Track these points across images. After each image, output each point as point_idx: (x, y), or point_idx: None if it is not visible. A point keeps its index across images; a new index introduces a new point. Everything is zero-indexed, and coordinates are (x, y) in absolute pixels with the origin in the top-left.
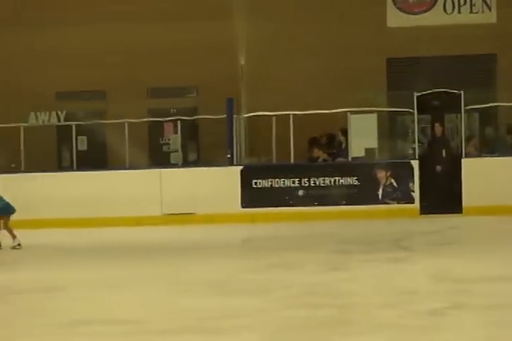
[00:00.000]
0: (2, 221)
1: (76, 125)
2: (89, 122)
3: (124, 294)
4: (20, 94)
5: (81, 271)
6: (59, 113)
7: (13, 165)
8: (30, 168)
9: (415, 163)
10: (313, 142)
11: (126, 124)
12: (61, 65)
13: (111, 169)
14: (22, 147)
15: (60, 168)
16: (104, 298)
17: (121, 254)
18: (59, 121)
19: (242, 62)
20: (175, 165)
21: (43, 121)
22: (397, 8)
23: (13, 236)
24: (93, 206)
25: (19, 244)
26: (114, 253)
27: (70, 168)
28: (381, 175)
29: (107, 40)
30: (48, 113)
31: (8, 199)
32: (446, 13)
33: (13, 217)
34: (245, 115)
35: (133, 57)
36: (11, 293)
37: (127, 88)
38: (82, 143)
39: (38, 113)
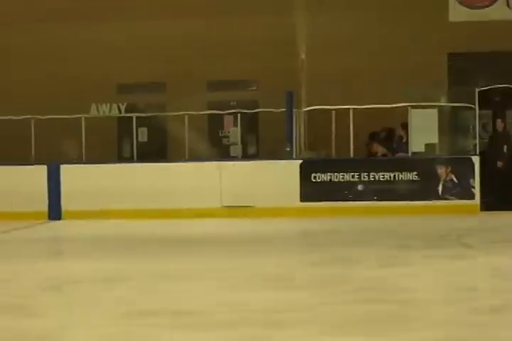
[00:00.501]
0: None
1: (137, 117)
2: (150, 114)
3: (184, 286)
4: (82, 86)
5: (141, 262)
6: (120, 105)
7: (74, 156)
8: (91, 159)
9: (476, 159)
10: (373, 137)
11: (186, 117)
12: (123, 58)
13: (171, 161)
14: (83, 138)
15: (121, 159)
16: (164, 290)
17: (181, 246)
18: (120, 112)
19: (303, 56)
20: (234, 158)
21: (104, 113)
22: (459, 2)
23: None
24: (152, 198)
25: None
26: (174, 245)
27: (131, 160)
28: (441, 170)
29: (168, 33)
30: (109, 104)
31: None
32: (509, 8)
33: (76, 208)
34: (305, 109)
35: (194, 50)
36: (73, 282)
37: (187, 81)
38: (142, 135)
39: (100, 104)
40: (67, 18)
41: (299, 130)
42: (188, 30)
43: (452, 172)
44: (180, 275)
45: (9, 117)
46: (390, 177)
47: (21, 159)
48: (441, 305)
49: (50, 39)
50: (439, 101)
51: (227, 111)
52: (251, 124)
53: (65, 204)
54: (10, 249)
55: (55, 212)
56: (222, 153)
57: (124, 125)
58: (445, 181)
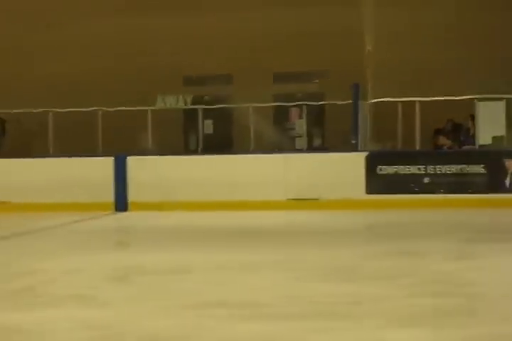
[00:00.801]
0: None
1: (203, 109)
2: (216, 106)
3: (250, 278)
4: (149, 78)
5: (207, 253)
6: (186, 97)
7: (141, 148)
8: (157, 151)
9: None
10: (439, 130)
11: (251, 109)
12: (189, 49)
13: (236, 153)
14: (150, 130)
15: (187, 151)
16: (231, 281)
17: (246, 237)
18: (186, 104)
19: (369, 47)
20: (300, 150)
21: (170, 105)
22: None
23: None
24: (218, 189)
25: None
26: (239, 237)
27: (196, 152)
28: (509, 163)
29: (235, 25)
30: (175, 96)
31: None
32: None
33: (142, 199)
34: (371, 101)
35: (260, 42)
36: (140, 274)
37: (254, 72)
38: (208, 127)
39: (166, 96)
40: (134, 10)
41: (365, 122)
42: (255, 23)
43: None
44: (246, 267)
45: (77, 109)
46: (457, 169)
47: (89, 150)
48: (510, 300)
49: (118, 31)
50: (506, 94)
51: (292, 103)
52: (317, 116)
53: (131, 195)
54: (77, 240)
55: (121, 203)
56: (287, 145)
57: (190, 117)
58: None
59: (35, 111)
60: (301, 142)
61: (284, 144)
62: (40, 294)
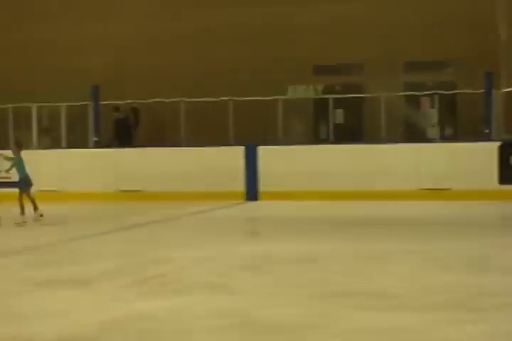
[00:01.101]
0: (23, 194)
1: (333, 98)
2: (346, 95)
3: (379, 267)
4: (280, 68)
5: (335, 243)
6: (316, 86)
7: (271, 138)
8: (287, 141)
9: None
10: None
11: (382, 98)
12: (320, 39)
13: (367, 143)
14: (280, 120)
15: (317, 140)
16: (361, 271)
17: (376, 228)
18: (316, 94)
19: (503, 36)
20: (432, 140)
21: (301, 94)
22: None
23: (22, 213)
24: (348, 179)
25: (41, 215)
26: (369, 226)
27: (327, 141)
28: None
29: (366, 14)
30: (305, 86)
31: (29, 171)
32: None
33: (272, 189)
34: (504, 90)
35: (391, 31)
36: (269, 263)
37: (384, 62)
38: (338, 116)
39: (296, 86)
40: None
41: (498, 111)
42: (388, 12)
43: None
44: (375, 257)
45: (209, 99)
46: None
47: (220, 140)
48: None
49: (252, 21)
50: None
51: (424, 92)
52: (449, 106)
53: (262, 185)
54: (208, 229)
55: (252, 192)
56: (418, 135)
57: (320, 106)
58: None
59: (167, 100)
60: (433, 132)
61: (415, 134)
62: (173, 282)
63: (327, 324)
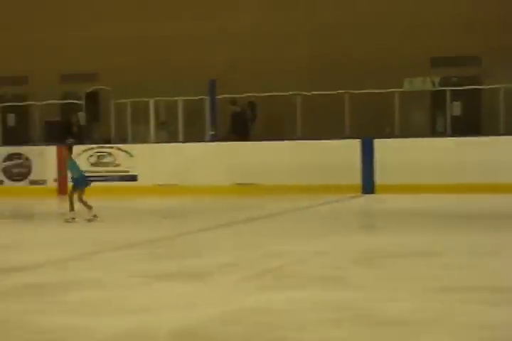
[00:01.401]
0: (77, 193)
1: (451, 90)
2: (464, 87)
3: (500, 262)
4: (396, 60)
5: (449, 237)
6: (433, 78)
7: (387, 130)
8: (404, 134)
9: None
10: None
11: (501, 89)
12: (435, 30)
13: (485, 135)
14: (397, 113)
15: (434, 133)
16: (482, 265)
17: (497, 221)
18: (433, 86)
19: None
20: None
21: (417, 87)
22: None
23: (89, 208)
24: (466, 172)
25: (95, 215)
26: (488, 220)
27: (444, 134)
28: None
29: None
30: (422, 78)
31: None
32: None
33: (389, 182)
34: None
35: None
36: (383, 257)
37: (504, 53)
38: (456, 109)
39: (413, 79)
40: None
41: None
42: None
43: None
44: (495, 252)
45: (325, 92)
46: None
47: (336, 133)
48: None
49: (366, 12)
50: None
51: None
52: None
53: (379, 178)
54: (324, 222)
55: (368, 185)
56: None
57: (437, 99)
58: None
59: (285, 94)
60: None
61: None
62: (288, 275)
63: (441, 318)
